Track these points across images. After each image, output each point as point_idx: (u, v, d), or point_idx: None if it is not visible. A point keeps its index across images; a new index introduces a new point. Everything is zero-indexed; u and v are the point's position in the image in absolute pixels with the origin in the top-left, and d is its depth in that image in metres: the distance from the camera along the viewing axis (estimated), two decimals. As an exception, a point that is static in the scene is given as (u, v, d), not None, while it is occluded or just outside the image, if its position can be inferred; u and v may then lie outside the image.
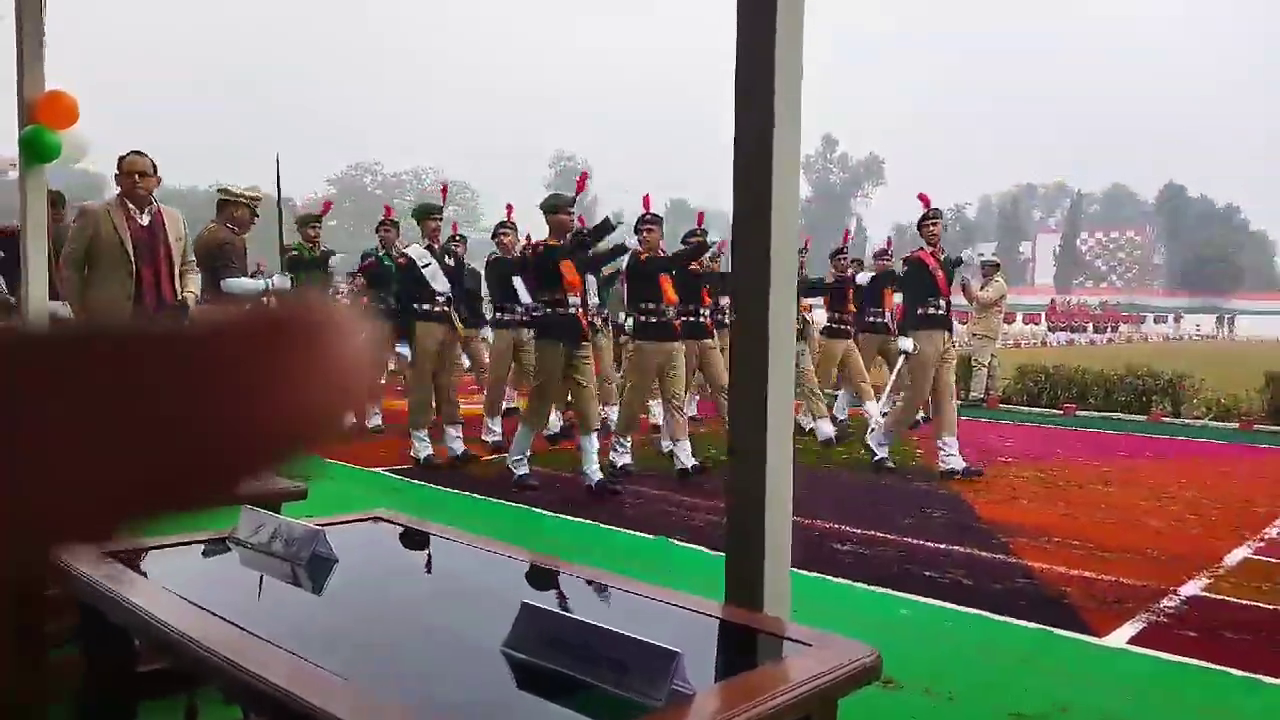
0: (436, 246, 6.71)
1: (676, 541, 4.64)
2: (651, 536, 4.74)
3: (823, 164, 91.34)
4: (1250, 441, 8.97)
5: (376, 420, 8.02)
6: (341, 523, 2.31)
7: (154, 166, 4.56)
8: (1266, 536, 5.01)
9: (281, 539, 2.01)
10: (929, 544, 4.68)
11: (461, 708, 1.36)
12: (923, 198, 6.76)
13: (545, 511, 5.26)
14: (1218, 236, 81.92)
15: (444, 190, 7.66)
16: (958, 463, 6.39)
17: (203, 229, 5.48)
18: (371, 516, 2.39)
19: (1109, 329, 43.63)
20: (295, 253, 7.46)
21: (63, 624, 2.21)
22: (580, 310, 5.82)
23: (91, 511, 0.27)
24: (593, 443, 5.74)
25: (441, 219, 6.81)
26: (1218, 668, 3.11)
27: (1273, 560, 4.53)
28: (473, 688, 1.42)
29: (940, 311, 6.59)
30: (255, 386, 0.27)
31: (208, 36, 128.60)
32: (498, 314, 7.43)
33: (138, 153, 4.56)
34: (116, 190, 4.55)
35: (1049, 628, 3.47)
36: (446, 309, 6.61)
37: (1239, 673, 3.06)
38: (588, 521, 5.04)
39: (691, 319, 6.63)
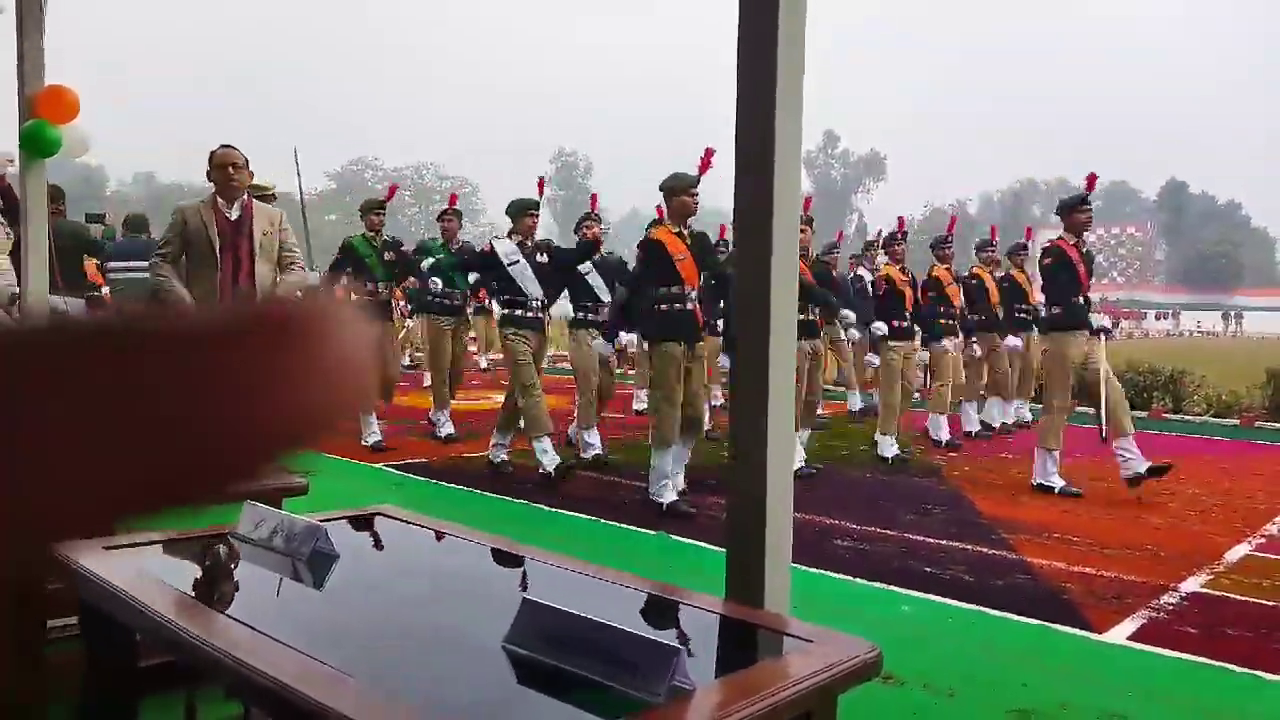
0: (529, 244, 6.05)
1: (676, 537, 4.65)
2: (651, 532, 4.74)
3: (824, 159, 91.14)
4: (1251, 438, 8.96)
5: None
6: (343, 518, 2.31)
7: (246, 160, 4.49)
8: (1267, 533, 5.01)
9: (283, 535, 2.02)
10: (929, 540, 4.68)
11: (463, 703, 1.36)
12: (1091, 177, 6.11)
13: (546, 507, 5.26)
14: (1219, 233, 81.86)
15: (540, 184, 6.58)
16: (1140, 464, 5.76)
17: None
18: (373, 512, 2.39)
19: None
20: (352, 245, 7.04)
21: (64, 620, 2.21)
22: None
23: (91, 510, 0.27)
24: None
25: (538, 215, 6.17)
26: (1218, 664, 3.11)
27: (1273, 557, 4.53)
28: (474, 683, 1.42)
29: (1083, 306, 5.95)
30: (255, 386, 0.27)
31: (208, 32, 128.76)
32: (577, 314, 6.85)
33: (228, 146, 4.50)
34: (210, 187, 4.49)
35: (1049, 624, 3.47)
36: (540, 315, 6.05)
37: (1239, 669, 3.06)
38: (589, 517, 5.04)
39: (802, 316, 5.98)
